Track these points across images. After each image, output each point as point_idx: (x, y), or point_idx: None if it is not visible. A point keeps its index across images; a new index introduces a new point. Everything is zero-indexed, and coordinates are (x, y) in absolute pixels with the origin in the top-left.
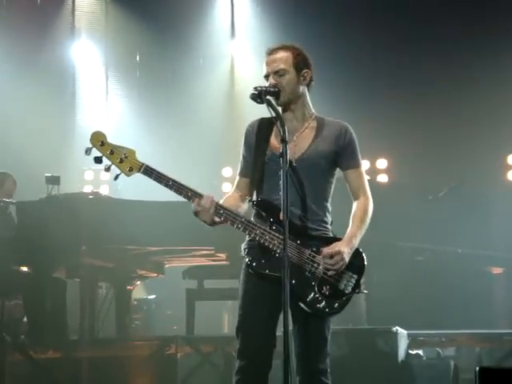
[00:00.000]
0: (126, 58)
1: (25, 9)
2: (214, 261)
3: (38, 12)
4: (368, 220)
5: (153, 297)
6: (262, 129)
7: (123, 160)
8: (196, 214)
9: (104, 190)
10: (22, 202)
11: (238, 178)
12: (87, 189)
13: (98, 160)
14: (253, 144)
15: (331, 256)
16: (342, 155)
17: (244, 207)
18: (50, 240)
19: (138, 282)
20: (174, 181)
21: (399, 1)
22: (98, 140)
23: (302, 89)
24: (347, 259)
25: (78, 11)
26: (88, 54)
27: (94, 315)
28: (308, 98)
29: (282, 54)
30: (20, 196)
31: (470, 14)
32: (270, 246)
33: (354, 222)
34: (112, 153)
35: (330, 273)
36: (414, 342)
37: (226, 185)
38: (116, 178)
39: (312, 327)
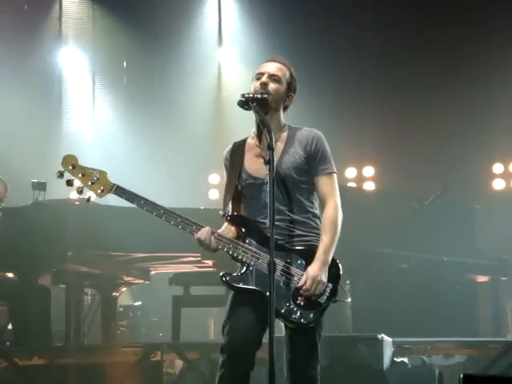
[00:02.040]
0: (113, 65)
1: (11, 15)
2: (200, 267)
3: (25, 18)
4: (338, 230)
5: (139, 303)
6: (236, 154)
7: (94, 182)
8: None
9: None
10: (8, 208)
11: (223, 202)
12: (73, 195)
13: (69, 183)
14: (230, 171)
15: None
16: (311, 162)
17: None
18: (35, 246)
19: (124, 289)
20: (145, 200)
21: (386, 4)
22: (69, 163)
23: (282, 106)
24: (325, 279)
25: (65, 17)
26: (75, 60)
27: (80, 322)
28: (282, 116)
29: (282, 67)
30: (6, 201)
31: (458, 19)
32: (244, 259)
33: (325, 235)
34: (83, 175)
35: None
36: (399, 349)
37: (212, 191)
38: (88, 200)
39: (301, 334)
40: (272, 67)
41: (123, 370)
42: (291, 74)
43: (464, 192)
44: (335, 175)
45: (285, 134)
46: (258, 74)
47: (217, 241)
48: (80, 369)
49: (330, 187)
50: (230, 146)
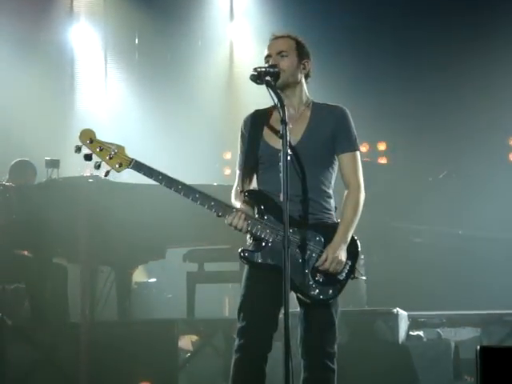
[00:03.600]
0: (124, 41)
1: None
2: (214, 244)
3: None
4: (360, 211)
5: (153, 280)
6: (256, 121)
7: (112, 156)
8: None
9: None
10: (22, 186)
11: (238, 172)
12: (87, 172)
13: (87, 157)
14: (248, 138)
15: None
16: (336, 138)
17: None
18: (50, 224)
19: (139, 266)
20: (163, 175)
21: None
22: (87, 137)
23: (301, 77)
24: (344, 258)
25: None
26: (86, 36)
27: (95, 299)
28: (305, 87)
29: (286, 40)
30: None
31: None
32: (262, 235)
33: (346, 215)
34: (101, 150)
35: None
36: (414, 323)
37: (226, 168)
38: (106, 174)
39: (318, 311)
40: (276, 45)
41: (138, 346)
42: (297, 42)
43: (479, 166)
44: (359, 153)
45: (309, 109)
46: (266, 58)
47: (247, 223)
48: (95, 345)
49: (353, 165)
50: (251, 112)
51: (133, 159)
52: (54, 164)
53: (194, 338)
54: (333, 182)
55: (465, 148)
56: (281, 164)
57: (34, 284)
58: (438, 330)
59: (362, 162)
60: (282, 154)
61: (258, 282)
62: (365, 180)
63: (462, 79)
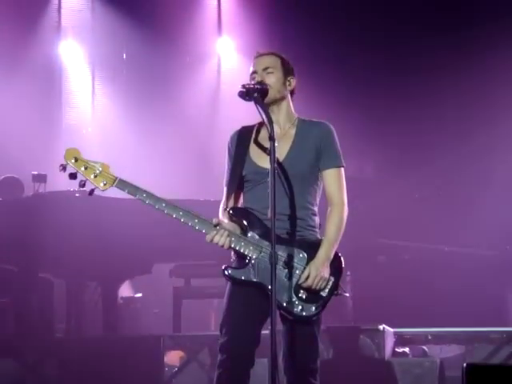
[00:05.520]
0: (112, 57)
1: (11, 6)
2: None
3: (24, 9)
4: (343, 227)
5: (139, 295)
6: (242, 139)
7: (97, 175)
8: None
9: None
10: (9, 200)
11: (224, 188)
12: (74, 187)
13: (72, 176)
14: (234, 155)
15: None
16: (320, 155)
17: None
18: (36, 238)
19: (125, 281)
20: (147, 193)
21: (389, 3)
22: (72, 156)
23: (286, 93)
24: (327, 275)
25: (64, 9)
26: (74, 52)
27: (81, 314)
28: (291, 104)
29: (271, 56)
30: None
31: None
32: (246, 252)
33: (329, 231)
34: (86, 168)
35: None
36: (400, 339)
37: (213, 182)
38: (91, 192)
39: (301, 327)
40: (262, 62)
41: (124, 362)
42: (282, 59)
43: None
44: (343, 169)
45: (294, 127)
46: (252, 75)
47: (230, 240)
48: (81, 360)
49: (337, 182)
50: (238, 129)
51: (117, 177)
52: (40, 178)
53: (180, 353)
54: (318, 199)
55: (452, 165)
56: (267, 181)
57: (19, 299)
58: (424, 347)
59: (348, 177)
60: (268, 172)
61: (240, 298)
62: (350, 195)
63: (450, 95)
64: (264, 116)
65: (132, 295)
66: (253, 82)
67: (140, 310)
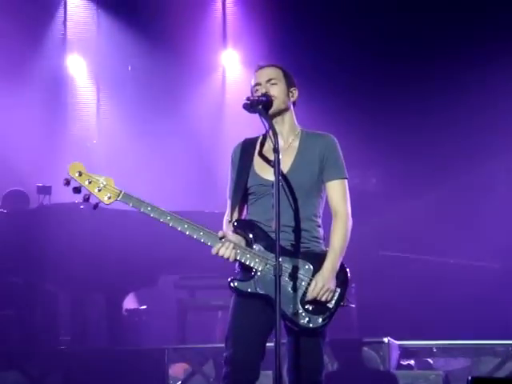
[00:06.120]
0: (117, 68)
1: (16, 18)
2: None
3: (30, 22)
4: (348, 238)
5: (144, 307)
6: (246, 151)
7: (101, 189)
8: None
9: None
10: (14, 212)
11: (228, 201)
12: (79, 199)
13: (76, 190)
14: (237, 168)
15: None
16: (324, 167)
17: None
18: (41, 250)
19: (129, 293)
20: (152, 206)
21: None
22: (76, 170)
23: (290, 105)
24: (333, 286)
25: (70, 21)
26: (79, 64)
27: (85, 326)
28: (294, 115)
29: (274, 68)
30: None
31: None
32: (251, 264)
33: (334, 243)
34: (90, 182)
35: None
36: (405, 352)
37: (218, 195)
38: (95, 207)
39: (306, 339)
40: (265, 73)
41: (128, 375)
42: (284, 71)
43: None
44: (346, 181)
45: (297, 139)
46: (255, 87)
47: (235, 252)
48: (85, 373)
49: (341, 193)
50: (241, 141)
51: (121, 191)
52: (45, 190)
53: (185, 365)
54: (321, 211)
55: (456, 174)
56: (271, 193)
57: (24, 311)
58: (429, 359)
59: (353, 188)
60: (272, 184)
61: (245, 310)
62: (354, 207)
63: (451, 104)
64: (268, 128)
65: (137, 307)
66: (257, 95)
67: (144, 322)
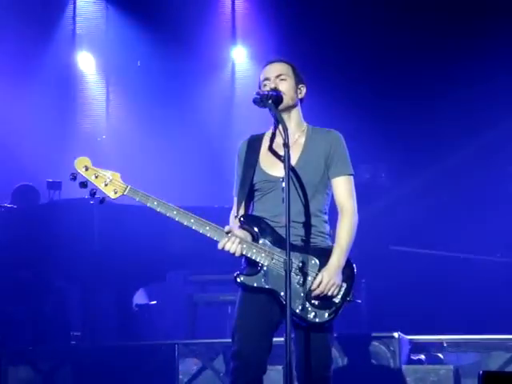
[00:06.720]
0: (126, 64)
1: (25, 15)
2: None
3: (39, 18)
4: (354, 234)
5: (154, 303)
6: (252, 147)
7: (108, 183)
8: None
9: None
10: (24, 208)
11: (234, 198)
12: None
13: (83, 185)
14: (244, 164)
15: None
16: (330, 163)
17: None
18: (51, 246)
19: (140, 288)
20: (158, 201)
21: (401, 10)
22: (82, 165)
23: (297, 101)
24: (339, 281)
25: (79, 17)
26: (89, 59)
27: (96, 321)
28: (300, 112)
29: (283, 64)
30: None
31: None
32: (258, 259)
33: (341, 238)
34: (97, 177)
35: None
36: (415, 347)
37: (226, 190)
38: (102, 201)
39: (314, 334)
40: (275, 68)
41: (138, 370)
42: (293, 67)
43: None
44: (352, 177)
45: (304, 135)
46: (264, 81)
47: (241, 247)
48: (95, 368)
49: (347, 190)
50: (247, 138)
51: (128, 186)
52: (55, 186)
53: (195, 361)
54: (327, 207)
55: (469, 169)
56: (277, 189)
57: (34, 306)
58: (439, 354)
59: (364, 183)
60: (279, 180)
61: (251, 304)
62: (365, 202)
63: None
64: (278, 123)
65: (147, 303)
66: (265, 89)
67: (154, 318)
